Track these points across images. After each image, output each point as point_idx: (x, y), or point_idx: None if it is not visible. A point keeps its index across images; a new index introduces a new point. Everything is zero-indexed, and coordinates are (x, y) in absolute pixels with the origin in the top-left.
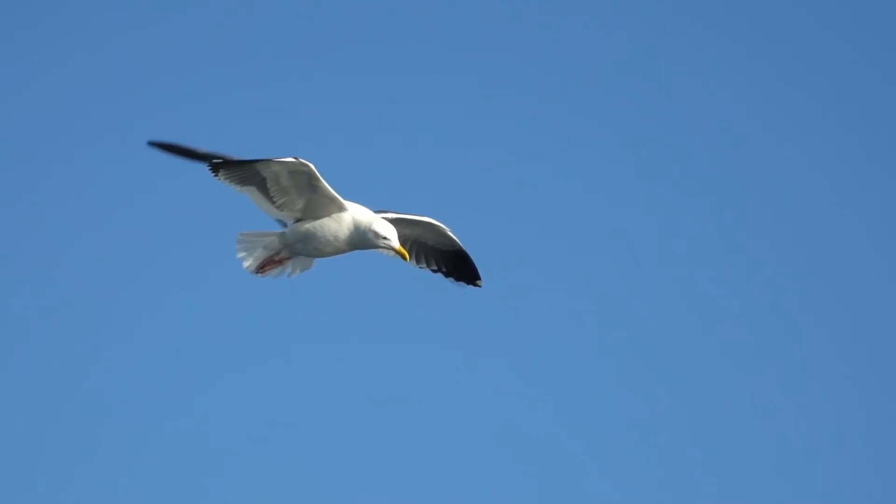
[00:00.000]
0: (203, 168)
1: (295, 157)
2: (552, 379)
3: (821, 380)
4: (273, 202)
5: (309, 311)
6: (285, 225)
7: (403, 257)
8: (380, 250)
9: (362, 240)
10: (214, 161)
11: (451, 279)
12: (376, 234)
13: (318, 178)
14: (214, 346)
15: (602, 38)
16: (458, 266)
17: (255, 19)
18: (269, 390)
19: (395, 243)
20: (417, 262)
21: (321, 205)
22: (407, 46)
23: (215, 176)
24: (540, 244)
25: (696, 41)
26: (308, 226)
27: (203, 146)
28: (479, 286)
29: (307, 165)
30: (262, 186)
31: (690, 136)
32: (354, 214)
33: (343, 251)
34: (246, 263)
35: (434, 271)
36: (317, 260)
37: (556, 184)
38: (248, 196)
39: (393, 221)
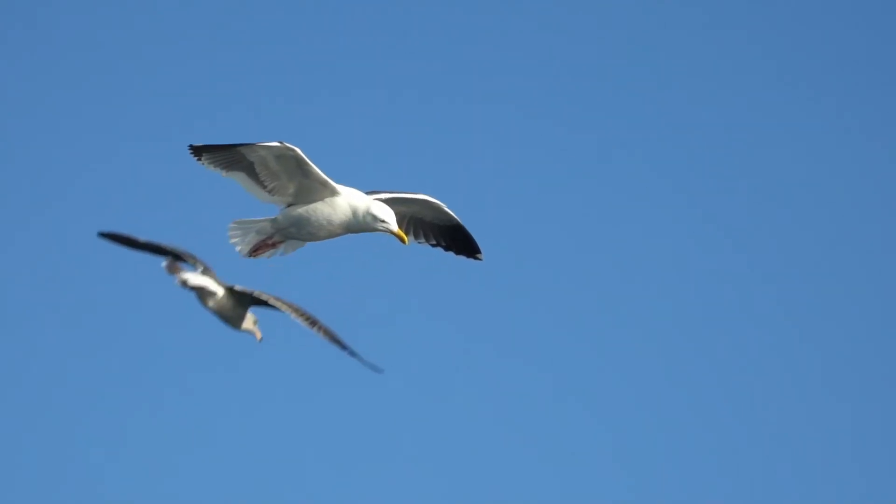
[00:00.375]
0: (197, 167)
1: (280, 142)
2: (551, 362)
3: (827, 376)
4: (264, 187)
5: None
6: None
7: (402, 240)
8: (377, 232)
9: (360, 224)
10: (195, 145)
11: (451, 253)
12: (375, 218)
13: (306, 163)
14: (207, 336)
15: (607, 31)
16: (457, 240)
17: (247, 10)
18: (262, 377)
19: (394, 226)
20: (416, 237)
21: (313, 189)
22: (405, 38)
23: (198, 160)
24: (542, 235)
25: (702, 34)
26: (301, 210)
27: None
28: (480, 259)
29: (293, 150)
30: (251, 171)
31: (694, 129)
32: (349, 199)
33: (337, 235)
34: (238, 248)
35: (433, 246)
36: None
37: (557, 175)
38: (236, 181)
39: (388, 201)
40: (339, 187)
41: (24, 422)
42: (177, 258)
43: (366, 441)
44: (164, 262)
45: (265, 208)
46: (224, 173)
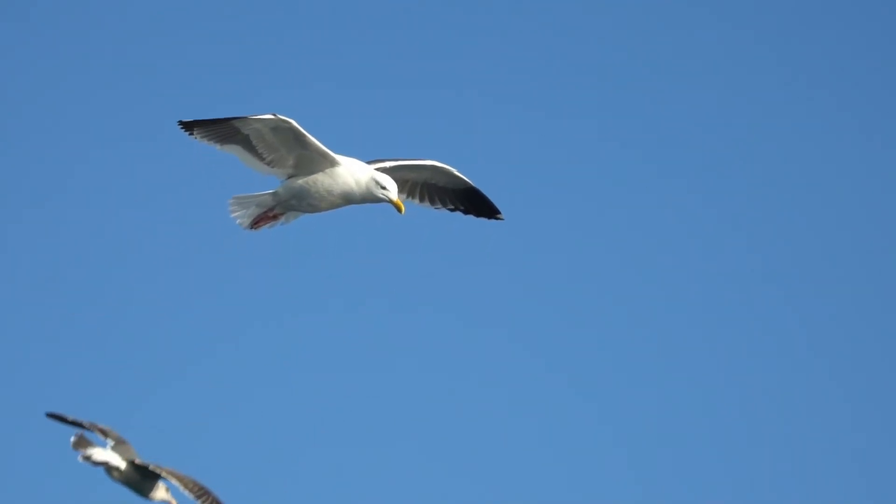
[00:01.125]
0: (189, 157)
1: (273, 114)
2: (552, 358)
3: (831, 376)
4: (262, 159)
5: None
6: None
7: (399, 209)
8: (377, 200)
9: (361, 193)
10: (185, 121)
11: (471, 216)
12: (377, 184)
13: (303, 134)
14: (205, 335)
15: (610, 30)
16: (474, 203)
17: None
18: (260, 372)
19: (394, 195)
20: (432, 203)
21: (313, 160)
22: (406, 33)
23: (190, 135)
24: (542, 232)
25: (708, 31)
26: (301, 182)
27: None
28: (501, 219)
29: (288, 122)
30: (247, 144)
31: (697, 127)
32: (350, 168)
33: (338, 206)
34: (239, 220)
35: (451, 210)
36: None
37: (557, 173)
38: (233, 155)
39: (395, 168)
40: (339, 157)
41: (23, 421)
42: (89, 430)
43: (365, 437)
44: (72, 438)
45: (262, 184)
46: (219, 147)
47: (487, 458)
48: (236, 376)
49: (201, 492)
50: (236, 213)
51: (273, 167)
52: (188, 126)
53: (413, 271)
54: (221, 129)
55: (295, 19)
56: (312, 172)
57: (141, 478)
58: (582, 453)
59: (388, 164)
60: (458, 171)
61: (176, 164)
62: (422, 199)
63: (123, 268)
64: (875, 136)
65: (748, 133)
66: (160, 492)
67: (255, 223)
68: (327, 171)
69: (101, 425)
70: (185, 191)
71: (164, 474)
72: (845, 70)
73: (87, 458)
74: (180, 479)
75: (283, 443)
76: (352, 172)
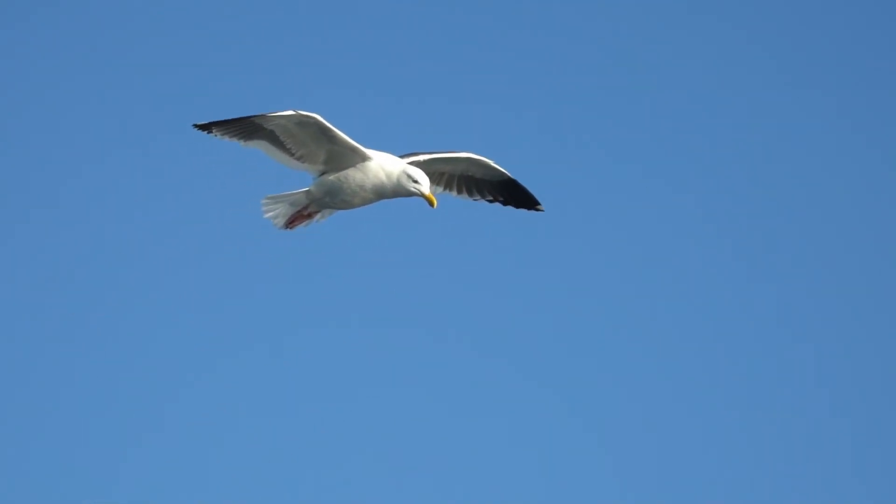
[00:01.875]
0: (204, 159)
1: (294, 111)
2: (548, 365)
3: (830, 374)
4: (292, 154)
5: (306, 297)
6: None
7: (431, 203)
8: (409, 194)
9: (393, 187)
10: (200, 123)
11: (511, 207)
12: (409, 178)
13: (330, 129)
14: (208, 333)
15: (613, 30)
16: (513, 194)
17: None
18: (260, 379)
19: (426, 189)
20: (470, 195)
21: (344, 155)
22: (410, 38)
23: (209, 134)
24: (539, 234)
25: (708, 31)
26: (333, 178)
27: None
28: (541, 210)
29: (312, 117)
30: (274, 140)
31: (693, 129)
32: (381, 163)
33: (371, 201)
34: (274, 220)
35: (490, 202)
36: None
37: (559, 170)
38: (259, 150)
39: (430, 161)
40: (370, 152)
41: (25, 422)
42: None
43: (363, 444)
44: None
45: (267, 187)
46: (243, 144)
47: (490, 469)
48: (237, 384)
49: None
50: (270, 213)
51: (304, 163)
52: (204, 127)
53: (412, 284)
54: (244, 126)
55: (296, 20)
56: (344, 168)
57: None
58: (584, 456)
59: (422, 158)
60: (495, 163)
61: (177, 164)
62: (459, 192)
63: (127, 272)
64: (874, 136)
65: (747, 133)
66: None
67: (290, 222)
68: (358, 165)
69: None
70: (187, 192)
71: None
72: (845, 70)
73: None
74: None
75: (286, 447)
76: (383, 166)
